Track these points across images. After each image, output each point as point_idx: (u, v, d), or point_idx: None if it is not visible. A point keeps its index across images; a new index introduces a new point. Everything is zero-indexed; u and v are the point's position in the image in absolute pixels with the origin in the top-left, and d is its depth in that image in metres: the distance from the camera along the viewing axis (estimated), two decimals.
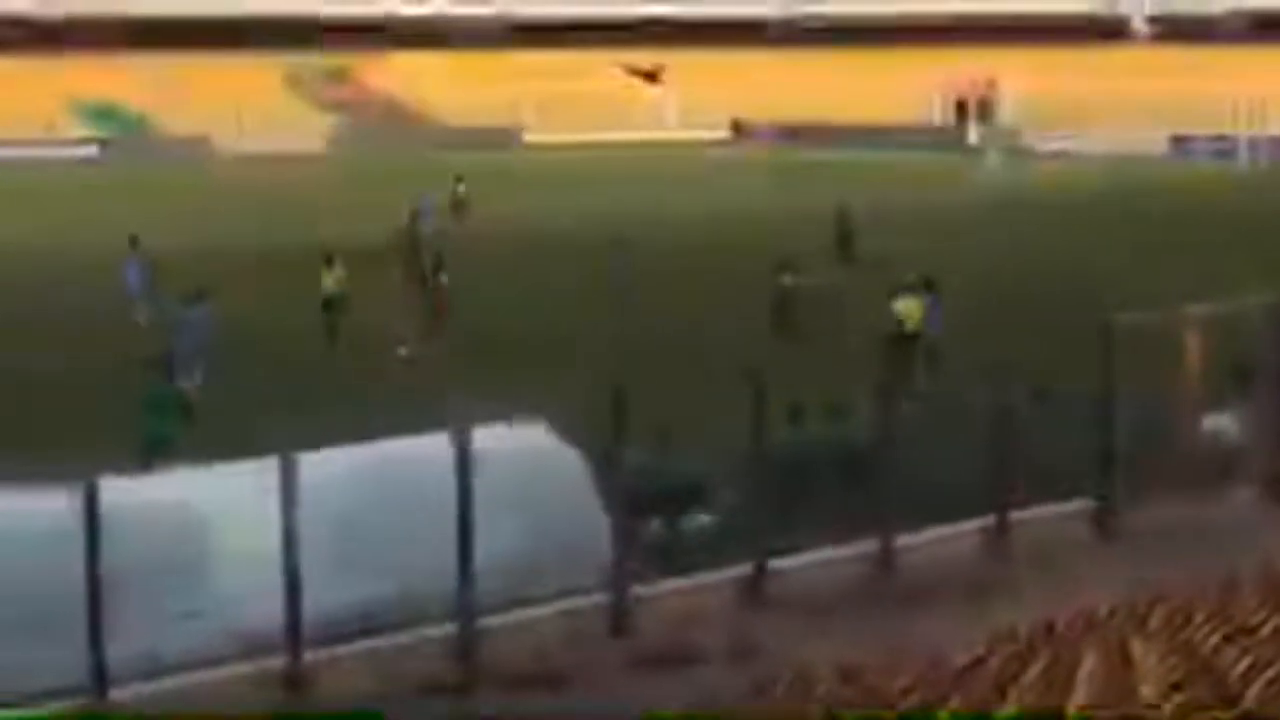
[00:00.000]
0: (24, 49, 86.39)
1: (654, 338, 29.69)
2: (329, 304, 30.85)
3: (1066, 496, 16.72)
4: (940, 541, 15.70)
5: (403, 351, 28.92)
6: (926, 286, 27.14)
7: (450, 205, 49.83)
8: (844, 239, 40.50)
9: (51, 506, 12.41)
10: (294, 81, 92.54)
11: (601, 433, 14.75)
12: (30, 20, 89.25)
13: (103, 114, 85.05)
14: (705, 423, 16.98)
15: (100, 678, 12.13)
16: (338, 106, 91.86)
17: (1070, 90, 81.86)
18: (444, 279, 31.59)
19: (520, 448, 14.94)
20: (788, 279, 30.79)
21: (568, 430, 15.28)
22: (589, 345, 29.00)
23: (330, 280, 31.23)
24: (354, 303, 31.03)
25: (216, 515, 13.55)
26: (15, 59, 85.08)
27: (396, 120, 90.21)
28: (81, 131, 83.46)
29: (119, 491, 12.71)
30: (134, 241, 34.62)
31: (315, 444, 13.44)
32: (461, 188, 51.92)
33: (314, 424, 16.76)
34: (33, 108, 79.78)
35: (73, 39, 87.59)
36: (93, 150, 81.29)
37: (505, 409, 15.66)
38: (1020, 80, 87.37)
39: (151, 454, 18.94)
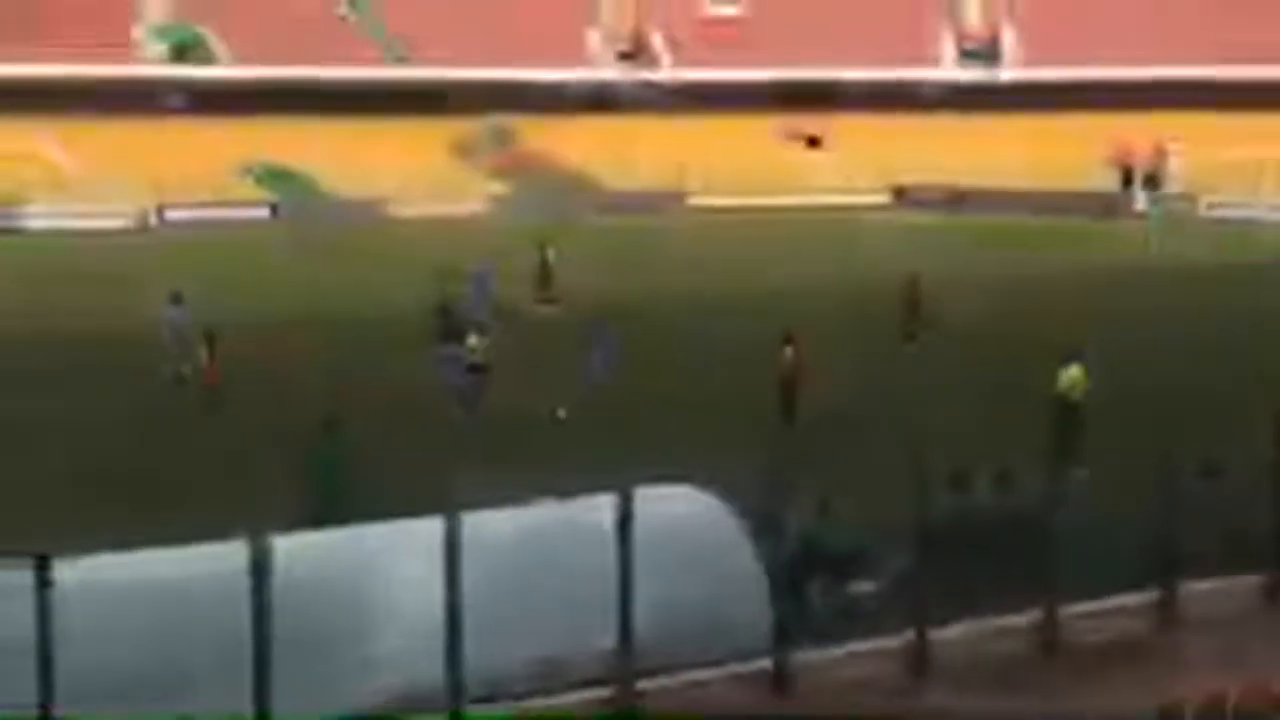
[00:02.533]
0: (197, 112, 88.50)
1: (802, 402, 29.35)
2: (473, 369, 30.83)
3: (1238, 570, 16.37)
4: (1107, 612, 15.45)
5: (560, 414, 29.03)
6: (1081, 355, 26.59)
7: (538, 271, 46.74)
8: (910, 310, 38.65)
9: (226, 562, 12.65)
10: (460, 146, 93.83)
11: (756, 497, 14.72)
12: (202, 83, 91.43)
13: (275, 176, 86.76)
14: (864, 488, 16.86)
15: None
16: (503, 171, 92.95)
17: (1243, 156, 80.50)
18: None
19: (679, 511, 14.96)
20: (789, 354, 29.47)
21: (724, 495, 15.28)
22: (740, 409, 28.91)
23: (475, 345, 31.14)
24: (508, 366, 31.14)
25: (380, 572, 13.72)
26: (188, 122, 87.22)
27: (561, 184, 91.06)
28: (253, 194, 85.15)
29: (288, 547, 12.90)
30: (177, 297, 34.89)
31: (472, 505, 13.52)
32: (551, 253, 47.89)
33: (469, 486, 16.83)
34: (205, 170, 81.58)
35: (243, 102, 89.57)
36: (264, 212, 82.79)
37: (659, 473, 15.68)
38: (1190, 145, 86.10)
39: (319, 510, 19.19)
